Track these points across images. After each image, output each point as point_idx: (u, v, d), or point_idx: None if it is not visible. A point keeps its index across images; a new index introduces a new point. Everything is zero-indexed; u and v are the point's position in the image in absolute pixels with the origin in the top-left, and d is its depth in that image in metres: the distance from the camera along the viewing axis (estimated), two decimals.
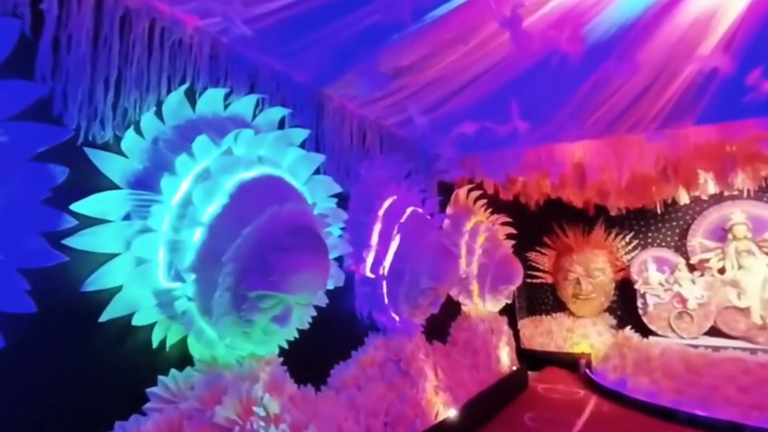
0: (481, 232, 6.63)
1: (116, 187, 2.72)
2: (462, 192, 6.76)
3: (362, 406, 4.03)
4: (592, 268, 8.84)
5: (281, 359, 3.45)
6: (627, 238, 9.11)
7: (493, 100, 4.10)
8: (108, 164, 2.68)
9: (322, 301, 3.73)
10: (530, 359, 8.31)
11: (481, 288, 6.46)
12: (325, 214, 3.41)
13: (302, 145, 3.63)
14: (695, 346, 6.89)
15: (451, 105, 4.38)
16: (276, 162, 3.37)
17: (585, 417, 5.86)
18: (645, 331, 8.16)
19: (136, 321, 2.72)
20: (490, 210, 7.21)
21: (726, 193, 8.35)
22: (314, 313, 3.59)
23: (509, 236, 7.28)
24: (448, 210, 6.54)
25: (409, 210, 4.96)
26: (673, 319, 8.01)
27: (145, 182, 2.84)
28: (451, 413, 4.85)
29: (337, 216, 3.77)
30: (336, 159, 4.48)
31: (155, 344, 2.84)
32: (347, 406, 3.98)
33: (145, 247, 2.74)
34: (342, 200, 4.54)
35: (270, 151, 3.35)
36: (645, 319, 8.25)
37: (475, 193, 7.00)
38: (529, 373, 7.92)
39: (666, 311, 8.07)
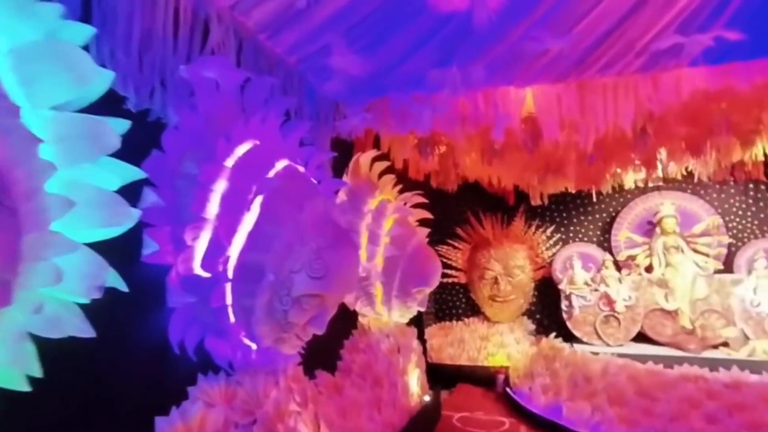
0: (389, 214, 4.83)
1: None
2: (364, 159, 4.89)
3: None
4: (512, 265, 7.55)
5: None
6: (548, 232, 7.97)
7: None
8: None
9: (79, 329, 1.67)
10: (439, 375, 6.77)
11: (386, 291, 4.65)
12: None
13: None
14: (643, 361, 5.78)
15: None
16: None
17: None
18: (568, 338, 7.02)
19: None
20: (399, 187, 5.44)
21: (651, 184, 7.57)
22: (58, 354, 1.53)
23: (423, 222, 5.56)
24: (346, 181, 4.64)
25: (280, 164, 2.96)
26: (599, 323, 6.95)
27: None
28: None
29: (99, 140, 1.67)
30: (134, 50, 2.34)
31: None
32: None
33: None
34: (146, 131, 2.46)
35: None
36: (569, 324, 7.11)
37: (382, 165, 5.18)
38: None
39: (592, 315, 6.99)
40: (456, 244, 8.19)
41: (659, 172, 6.38)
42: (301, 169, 3.24)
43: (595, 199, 7.56)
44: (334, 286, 2.83)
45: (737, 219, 7.63)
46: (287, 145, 3.20)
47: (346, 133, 4.29)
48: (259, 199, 2.70)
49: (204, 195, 2.52)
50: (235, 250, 2.60)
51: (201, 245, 2.53)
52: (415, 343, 5.32)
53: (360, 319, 4.77)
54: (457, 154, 5.18)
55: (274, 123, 3.13)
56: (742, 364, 5.78)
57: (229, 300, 2.61)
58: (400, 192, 5.39)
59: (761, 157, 6.50)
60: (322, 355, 4.08)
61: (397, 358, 4.79)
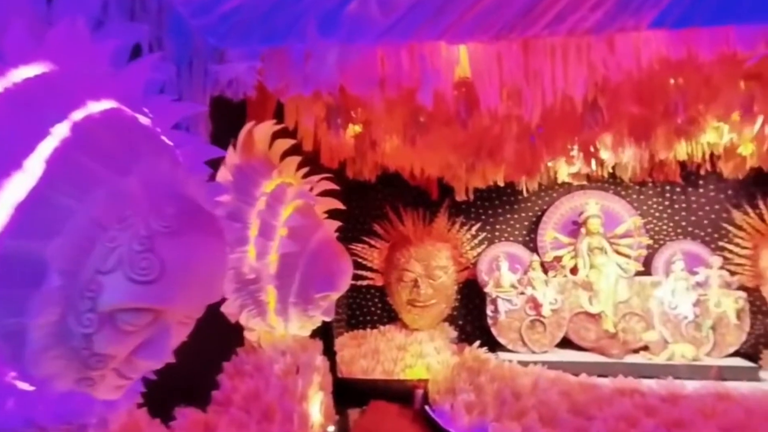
0: (288, 201, 3.88)
1: None
2: (261, 130, 3.89)
3: None
4: (433, 265, 6.89)
5: None
6: (473, 230, 7.42)
7: None
8: None
9: None
10: (350, 392, 5.91)
11: (281, 297, 3.69)
12: None
13: None
14: (575, 372, 5.30)
15: None
16: None
17: None
18: (492, 346, 6.48)
19: None
20: (304, 171, 4.49)
21: (576, 182, 7.29)
22: None
23: (334, 215, 4.65)
24: (232, 155, 3.62)
25: (97, 106, 1.91)
26: (524, 329, 6.48)
27: None
28: None
29: None
30: None
31: None
32: None
33: None
34: None
35: None
36: (494, 331, 6.57)
37: (285, 143, 4.21)
38: (349, 411, 5.62)
39: (518, 320, 6.51)
40: (372, 242, 7.39)
41: (593, 166, 6.05)
42: (145, 121, 2.20)
43: (524, 194, 7.15)
44: (177, 294, 1.81)
45: (655, 221, 7.58)
46: (120, 84, 2.14)
47: (233, 90, 3.27)
48: (42, 152, 1.65)
49: None
50: None
51: None
52: (320, 360, 4.39)
53: (246, 334, 3.76)
54: (375, 131, 4.34)
55: (99, 47, 2.07)
56: (667, 370, 5.57)
57: None
58: (307, 174, 4.44)
59: (683, 156, 6.42)
60: (189, 384, 3.03)
61: (295, 381, 3.83)
